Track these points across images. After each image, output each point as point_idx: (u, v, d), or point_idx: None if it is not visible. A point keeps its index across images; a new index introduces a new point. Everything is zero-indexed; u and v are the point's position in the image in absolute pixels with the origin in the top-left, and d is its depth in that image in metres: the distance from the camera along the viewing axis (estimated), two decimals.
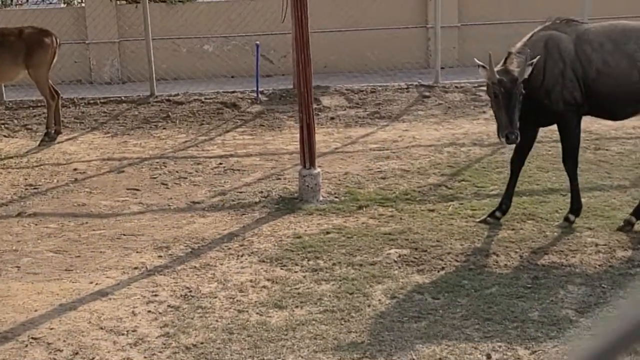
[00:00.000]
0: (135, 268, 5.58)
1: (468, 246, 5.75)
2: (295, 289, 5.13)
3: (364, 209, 6.70)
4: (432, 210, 6.56)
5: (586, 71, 5.75)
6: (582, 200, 6.34)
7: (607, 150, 8.35)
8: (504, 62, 5.72)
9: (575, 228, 6.00)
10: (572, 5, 12.91)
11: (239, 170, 8.16)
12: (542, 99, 5.78)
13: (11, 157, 8.95)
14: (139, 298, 5.08)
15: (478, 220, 6.23)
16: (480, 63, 5.70)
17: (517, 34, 14.02)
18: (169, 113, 10.75)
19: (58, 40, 9.65)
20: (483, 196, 6.91)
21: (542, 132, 9.20)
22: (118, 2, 13.42)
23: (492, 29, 13.40)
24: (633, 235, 5.81)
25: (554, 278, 5.13)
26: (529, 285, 5.03)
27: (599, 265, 5.30)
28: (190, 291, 5.15)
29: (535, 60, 5.60)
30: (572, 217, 6.06)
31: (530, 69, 5.58)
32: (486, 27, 13.48)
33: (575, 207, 6.07)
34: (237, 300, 5.00)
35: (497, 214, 6.20)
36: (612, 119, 6.55)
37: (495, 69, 5.60)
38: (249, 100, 11.12)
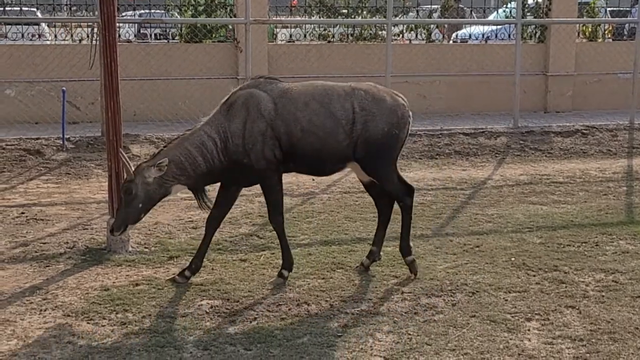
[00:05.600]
0: None
1: (280, 296, 5.78)
2: (103, 343, 4.93)
3: (175, 259, 6.60)
4: (244, 260, 6.56)
5: (290, 130, 5.86)
6: (389, 248, 6.58)
7: None
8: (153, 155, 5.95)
9: (382, 276, 6.19)
10: (374, 61, 13.56)
11: (42, 220, 7.80)
12: (242, 159, 5.85)
13: None
14: None
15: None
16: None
17: None
18: None
19: None
20: (294, 246, 6.98)
21: (350, 182, 9.54)
22: None
23: (298, 81, 13.75)
24: (436, 283, 6.07)
25: (363, 326, 5.25)
26: (339, 334, 5.11)
27: (405, 313, 5.49)
28: None
29: (165, 162, 5.70)
30: (285, 273, 6.09)
31: (154, 170, 5.69)
32: (295, 80, 13.79)
33: (287, 263, 6.10)
34: (39, 358, 4.73)
35: (187, 273, 6.06)
36: (318, 175, 6.82)
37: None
38: (54, 148, 10.72)
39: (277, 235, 6.13)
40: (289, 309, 5.53)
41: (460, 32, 17.07)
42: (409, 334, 5.12)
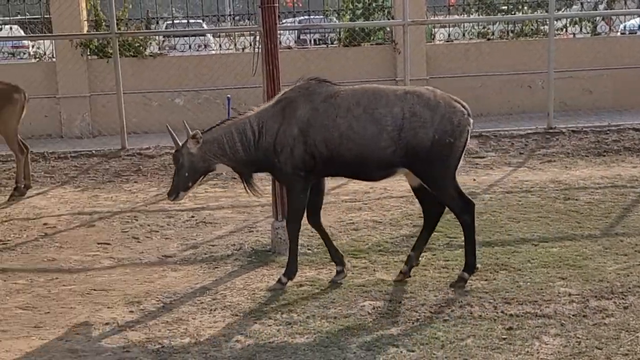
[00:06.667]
0: (106, 324, 5.49)
1: (442, 297, 5.73)
2: (269, 343, 5.07)
3: None
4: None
5: (329, 136, 5.75)
6: (555, 249, 6.38)
7: (576, 200, 8.43)
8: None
9: (548, 278, 6.02)
10: (535, 57, 13.20)
11: (211, 223, 8.11)
12: (273, 158, 5.89)
13: None
14: (109, 355, 4.99)
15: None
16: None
17: (484, 86, 14.31)
18: (140, 166, 10.71)
19: (27, 96, 9.62)
20: (455, 247, 6.91)
21: (513, 182, 9.34)
22: (89, 57, 13.44)
23: (459, 81, 13.63)
24: (606, 285, 5.83)
25: (529, 329, 5.11)
26: (504, 337, 5.01)
27: (573, 316, 5.30)
28: (163, 347, 5.06)
29: (197, 134, 5.97)
30: (284, 279, 6.06)
31: (190, 141, 5.98)
32: (453, 80, 13.69)
33: (290, 271, 6.07)
34: (210, 356, 4.92)
35: (338, 268, 6.21)
36: (364, 180, 6.58)
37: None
38: None
39: (289, 240, 6.12)
40: (452, 311, 5.47)
41: (628, 23, 16.33)
42: (578, 338, 4.94)
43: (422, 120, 5.67)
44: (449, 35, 14.92)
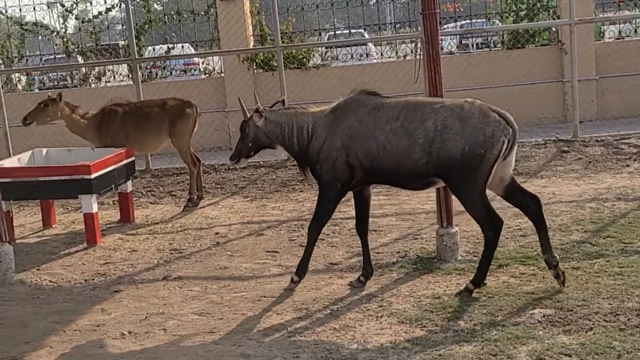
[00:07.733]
0: (276, 330, 5.63)
1: (617, 305, 5.49)
2: (436, 350, 5.03)
3: (504, 267, 6.55)
4: (577, 269, 6.33)
5: (368, 148, 5.93)
6: None
7: None
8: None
9: None
10: None
11: (375, 230, 8.15)
12: (315, 164, 6.18)
13: (157, 223, 9.30)
14: None
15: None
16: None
17: None
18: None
19: (198, 110, 10.05)
20: (631, 252, 6.62)
21: None
22: (255, 71, 13.88)
23: (632, 80, 13.06)
24: None
25: None
26: None
27: None
28: (331, 353, 5.14)
29: (260, 108, 6.30)
30: (296, 278, 6.45)
31: (255, 115, 6.32)
32: (625, 79, 13.14)
33: (300, 271, 6.47)
34: None
35: (362, 279, 6.46)
36: (407, 190, 6.68)
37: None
38: None
39: (306, 242, 6.43)
40: (628, 319, 5.23)
41: None
42: None
43: (453, 132, 5.71)
44: (619, 33, 14.31)
